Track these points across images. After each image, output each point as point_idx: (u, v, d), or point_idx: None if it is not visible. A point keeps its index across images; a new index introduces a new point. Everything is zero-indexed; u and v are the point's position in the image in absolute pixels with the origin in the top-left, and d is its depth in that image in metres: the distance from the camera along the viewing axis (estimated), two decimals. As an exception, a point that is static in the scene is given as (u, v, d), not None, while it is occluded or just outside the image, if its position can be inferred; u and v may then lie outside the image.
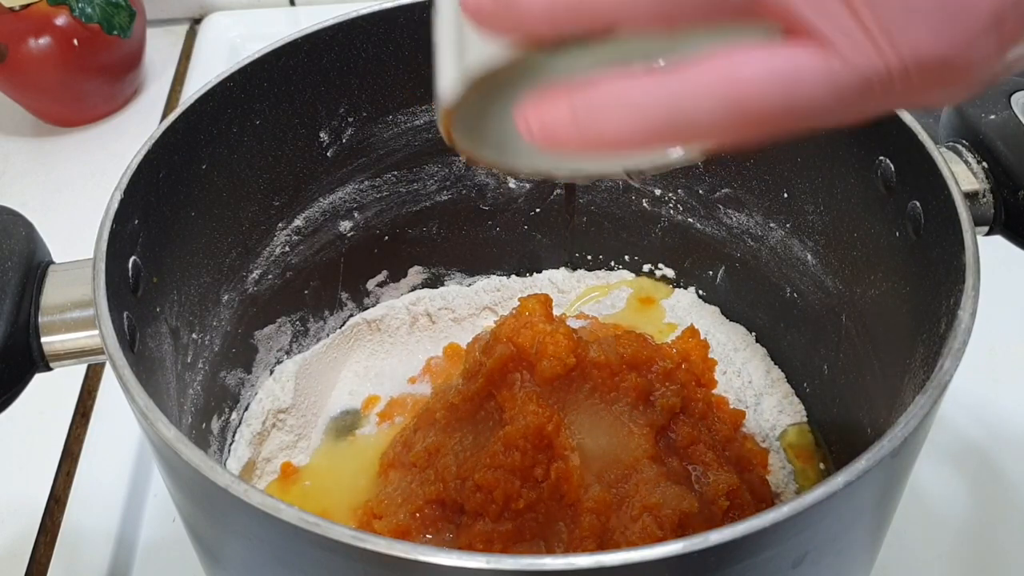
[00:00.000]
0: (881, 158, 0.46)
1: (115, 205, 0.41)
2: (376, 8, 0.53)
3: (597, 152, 0.28)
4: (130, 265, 0.42)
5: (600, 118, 0.28)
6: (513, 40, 0.28)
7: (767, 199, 0.57)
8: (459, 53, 0.30)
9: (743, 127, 0.27)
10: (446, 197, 0.62)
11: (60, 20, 0.80)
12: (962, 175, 0.45)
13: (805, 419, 0.58)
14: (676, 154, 0.32)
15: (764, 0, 0.26)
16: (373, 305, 0.65)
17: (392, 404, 0.60)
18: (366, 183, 0.59)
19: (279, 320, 0.60)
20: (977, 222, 0.42)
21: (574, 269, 0.67)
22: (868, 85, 0.26)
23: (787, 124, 0.27)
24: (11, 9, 0.80)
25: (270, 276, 0.57)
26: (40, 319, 0.41)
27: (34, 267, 0.42)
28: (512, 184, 0.62)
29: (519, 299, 0.53)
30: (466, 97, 0.30)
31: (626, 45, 0.28)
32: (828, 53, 0.26)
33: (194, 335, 0.51)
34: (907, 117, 0.44)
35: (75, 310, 0.41)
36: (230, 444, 0.57)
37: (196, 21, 1.02)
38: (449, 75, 0.30)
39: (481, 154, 0.35)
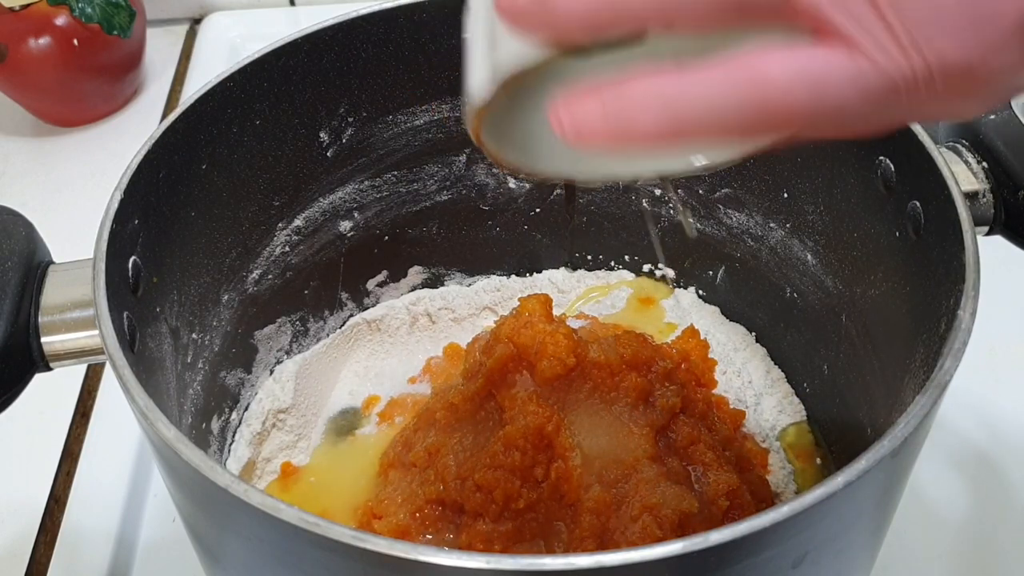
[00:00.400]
0: (881, 158, 0.46)
1: (115, 205, 0.41)
2: (376, 8, 0.53)
3: (624, 147, 0.29)
4: (130, 265, 0.42)
5: (629, 112, 0.28)
6: (546, 40, 0.28)
7: (767, 199, 0.56)
8: (491, 52, 0.29)
9: (771, 124, 0.27)
10: (446, 197, 0.62)
11: (60, 20, 0.80)
12: (962, 175, 0.45)
13: (805, 419, 0.58)
14: (700, 161, 0.32)
15: (794, 1, 0.26)
16: (373, 305, 0.65)
17: (392, 404, 0.60)
18: (366, 183, 0.59)
19: (279, 320, 0.60)
20: (977, 222, 0.42)
21: (574, 269, 0.67)
22: (894, 88, 0.26)
23: (815, 124, 0.27)
24: (11, 9, 0.80)
25: (270, 276, 0.57)
26: (40, 319, 0.41)
27: (34, 267, 0.42)
28: (512, 184, 0.62)
29: (519, 299, 0.53)
30: (496, 97, 0.30)
31: (656, 46, 0.28)
32: (855, 55, 0.26)
33: (194, 335, 0.51)
34: (907, 117, 0.44)
35: (75, 310, 0.41)
36: (230, 444, 0.57)
37: (196, 21, 1.02)
38: (481, 74, 0.30)
39: (507, 156, 0.34)
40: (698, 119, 0.27)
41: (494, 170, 0.62)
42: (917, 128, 0.43)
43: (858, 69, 0.26)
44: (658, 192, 0.61)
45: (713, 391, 0.59)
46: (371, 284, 0.64)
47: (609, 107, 0.28)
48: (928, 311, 0.41)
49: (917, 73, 0.26)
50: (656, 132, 0.28)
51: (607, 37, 0.28)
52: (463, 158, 0.61)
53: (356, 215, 0.60)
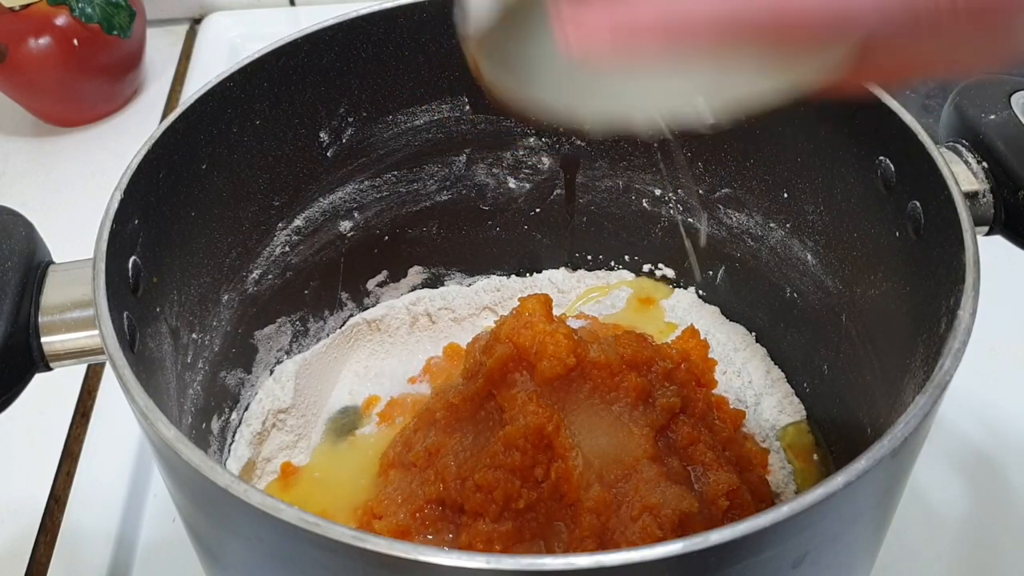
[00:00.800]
0: (881, 158, 0.46)
1: (115, 205, 0.41)
2: (376, 8, 0.53)
3: (631, 61, 0.27)
4: (130, 265, 0.42)
5: (639, 23, 0.27)
6: None
7: (767, 199, 0.57)
8: None
9: (786, 36, 0.27)
10: (446, 197, 0.62)
11: (60, 20, 0.80)
12: (962, 175, 0.45)
13: (805, 419, 0.58)
14: (703, 105, 0.31)
15: None
16: (373, 305, 0.65)
17: (392, 404, 0.60)
18: (366, 183, 0.59)
19: (279, 320, 0.60)
20: (977, 222, 0.42)
21: (574, 269, 0.67)
22: (915, 16, 0.26)
23: (829, 36, 0.27)
24: (11, 9, 0.80)
25: (270, 276, 0.57)
26: (40, 319, 0.41)
27: (34, 267, 0.42)
28: (512, 184, 0.62)
29: (519, 299, 0.53)
30: (496, 25, 0.29)
31: None
32: None
33: (194, 335, 0.51)
34: (907, 117, 0.44)
35: (75, 310, 0.41)
36: (230, 444, 0.57)
37: (196, 21, 1.02)
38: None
39: (507, 84, 0.32)
40: (710, 24, 0.27)
41: (494, 170, 0.62)
42: (917, 128, 0.43)
43: None
44: (658, 192, 0.61)
45: (713, 391, 0.59)
46: (371, 284, 0.64)
47: (619, 18, 0.27)
48: (928, 311, 0.41)
49: (940, 4, 0.26)
50: (663, 35, 0.27)
51: None
52: (463, 158, 0.61)
53: (356, 215, 0.60)
